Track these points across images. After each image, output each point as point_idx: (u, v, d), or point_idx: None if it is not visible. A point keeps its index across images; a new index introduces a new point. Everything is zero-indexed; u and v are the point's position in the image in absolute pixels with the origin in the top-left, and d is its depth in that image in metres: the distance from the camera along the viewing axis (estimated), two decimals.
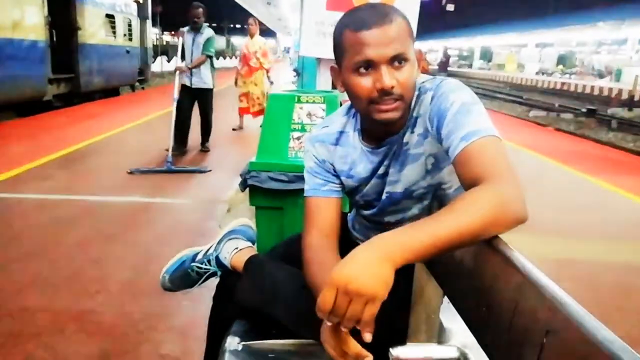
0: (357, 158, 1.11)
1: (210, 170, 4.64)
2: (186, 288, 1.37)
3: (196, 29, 5.30)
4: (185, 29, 5.35)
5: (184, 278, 1.35)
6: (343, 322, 0.72)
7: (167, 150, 4.75)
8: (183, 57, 5.40)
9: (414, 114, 1.01)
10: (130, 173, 4.44)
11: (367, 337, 0.72)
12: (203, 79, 5.31)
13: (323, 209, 1.11)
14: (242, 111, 7.23)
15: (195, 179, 4.46)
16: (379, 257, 0.71)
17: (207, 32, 5.34)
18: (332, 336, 0.81)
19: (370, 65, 0.92)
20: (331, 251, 1.05)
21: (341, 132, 1.13)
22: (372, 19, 0.91)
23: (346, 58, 0.95)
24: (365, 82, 0.94)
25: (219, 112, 6.46)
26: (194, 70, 5.21)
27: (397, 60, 0.92)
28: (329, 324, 0.76)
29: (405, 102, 0.96)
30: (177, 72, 5.13)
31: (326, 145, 1.14)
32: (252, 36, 6.99)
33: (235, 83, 7.22)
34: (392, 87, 0.92)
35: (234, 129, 7.17)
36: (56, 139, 5.88)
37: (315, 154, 1.14)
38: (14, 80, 7.34)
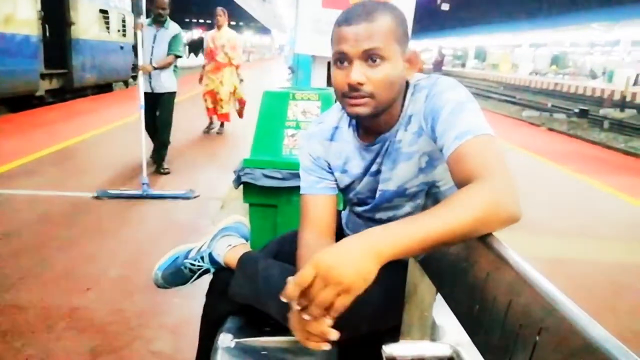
0: (350, 154, 1.12)
1: (198, 196, 3.79)
2: (179, 285, 1.36)
3: (160, 23, 4.44)
4: (146, 20, 4.34)
5: (177, 275, 1.34)
6: (311, 307, 0.72)
7: (141, 169, 3.86)
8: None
9: (408, 112, 1.02)
10: (97, 197, 3.65)
11: (328, 321, 0.73)
12: (164, 82, 4.44)
13: (318, 206, 1.12)
14: (210, 112, 6.52)
15: (189, 176, 4.44)
16: (366, 250, 0.71)
17: (174, 27, 4.49)
18: (299, 319, 0.79)
19: (346, 59, 0.94)
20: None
21: (335, 128, 1.14)
22: (355, 16, 0.93)
23: (332, 52, 0.98)
24: (339, 76, 0.96)
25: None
26: (153, 72, 4.33)
27: (372, 57, 0.93)
28: (296, 307, 0.74)
29: (377, 101, 0.96)
30: (142, 72, 4.08)
31: (321, 141, 1.14)
32: (219, 28, 6.17)
33: (200, 80, 6.43)
34: (360, 84, 0.93)
35: (205, 132, 6.55)
36: (48, 135, 5.84)
37: (310, 151, 1.15)
38: (6, 75, 7.28)
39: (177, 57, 4.48)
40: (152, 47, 4.39)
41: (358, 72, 0.93)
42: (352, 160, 1.11)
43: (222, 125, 6.72)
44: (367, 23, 0.92)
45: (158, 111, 4.46)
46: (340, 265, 0.70)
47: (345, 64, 0.95)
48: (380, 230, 0.74)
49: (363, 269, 0.70)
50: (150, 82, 4.36)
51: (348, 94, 0.95)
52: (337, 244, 0.74)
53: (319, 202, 1.12)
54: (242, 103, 6.54)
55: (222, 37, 6.15)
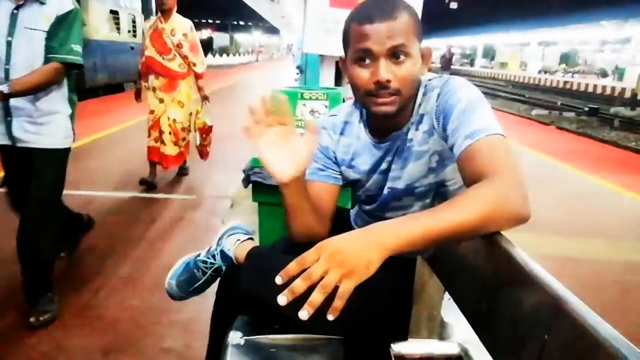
0: (360, 149, 1.12)
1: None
2: (196, 292, 1.34)
3: None
4: None
5: (191, 280, 1.33)
6: (314, 293, 0.69)
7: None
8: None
9: (420, 111, 1.02)
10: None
11: (330, 317, 0.71)
12: (43, 126, 1.96)
13: (318, 192, 1.13)
14: (153, 154, 4.01)
15: (198, 174, 4.46)
16: (371, 240, 0.72)
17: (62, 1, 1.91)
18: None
19: (369, 57, 0.94)
20: (321, 232, 1.07)
21: (346, 122, 1.15)
22: (377, 13, 0.93)
23: (350, 49, 0.98)
24: (363, 74, 0.96)
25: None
26: (14, 102, 1.88)
27: (397, 54, 0.93)
28: (280, 300, 0.72)
29: (402, 97, 0.97)
30: None
31: (330, 134, 1.16)
32: (166, 14, 3.77)
33: (137, 97, 4.11)
34: (388, 81, 0.93)
35: (142, 182, 3.99)
36: None
37: (320, 140, 1.16)
38: None
39: (70, 67, 1.97)
40: (8, 43, 1.85)
41: (385, 70, 0.93)
42: (361, 156, 1.12)
43: (183, 166, 4.35)
44: (391, 20, 0.92)
45: (32, 183, 1.95)
46: (344, 249, 0.70)
47: (368, 61, 0.95)
48: (385, 223, 0.75)
49: (367, 257, 0.70)
50: (6, 124, 1.93)
51: (374, 92, 0.95)
52: (343, 234, 0.74)
53: (320, 189, 1.14)
54: (205, 133, 4.16)
55: (175, 29, 3.79)
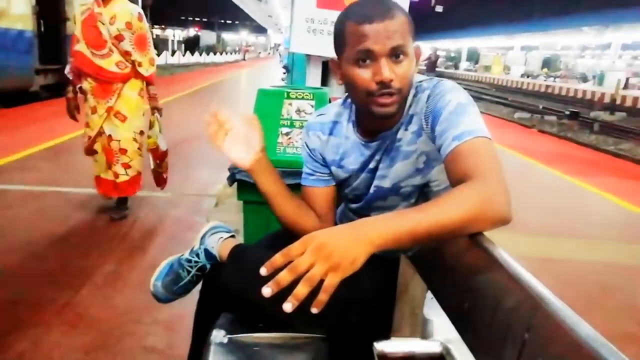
0: (349, 149, 1.13)
1: None
2: (182, 293, 1.31)
3: None
4: None
5: (176, 280, 1.31)
6: (298, 286, 0.70)
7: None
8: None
9: (410, 112, 1.03)
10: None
11: (314, 310, 0.71)
12: None
13: (311, 196, 1.18)
14: (102, 187, 3.17)
15: (182, 173, 4.43)
16: (357, 235, 0.72)
17: None
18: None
19: (370, 57, 0.94)
20: (315, 227, 1.09)
21: (335, 122, 1.16)
22: (375, 13, 0.93)
23: (347, 49, 0.97)
24: (364, 74, 0.96)
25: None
26: None
27: (397, 54, 0.94)
28: (265, 291, 0.71)
29: (402, 97, 0.98)
30: None
31: (319, 135, 1.17)
32: None
33: (70, 112, 3.13)
34: (391, 80, 0.94)
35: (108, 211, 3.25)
36: (42, 130, 5.79)
37: (307, 143, 1.18)
38: (0, 70, 7.21)
39: None
40: None
41: (388, 69, 0.93)
42: (350, 155, 1.13)
43: (122, 202, 3.26)
44: (390, 20, 0.93)
45: None
46: (330, 243, 0.71)
47: (368, 62, 0.95)
48: (372, 219, 0.76)
49: (353, 252, 0.71)
50: None
51: (376, 93, 0.96)
52: (329, 228, 0.75)
53: (312, 193, 1.18)
54: (160, 157, 3.21)
55: (116, 16, 2.85)
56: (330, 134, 1.15)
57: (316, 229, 0.76)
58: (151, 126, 3.13)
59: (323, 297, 0.70)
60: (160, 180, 3.32)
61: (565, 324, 0.54)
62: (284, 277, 0.70)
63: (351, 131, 1.12)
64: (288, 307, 0.70)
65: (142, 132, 3.11)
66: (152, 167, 3.23)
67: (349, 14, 0.97)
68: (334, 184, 1.18)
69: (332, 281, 0.70)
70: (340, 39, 0.99)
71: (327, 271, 0.70)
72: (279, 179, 1.14)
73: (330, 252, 0.70)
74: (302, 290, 0.69)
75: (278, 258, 0.72)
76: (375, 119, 1.02)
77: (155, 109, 3.10)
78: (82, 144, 3.16)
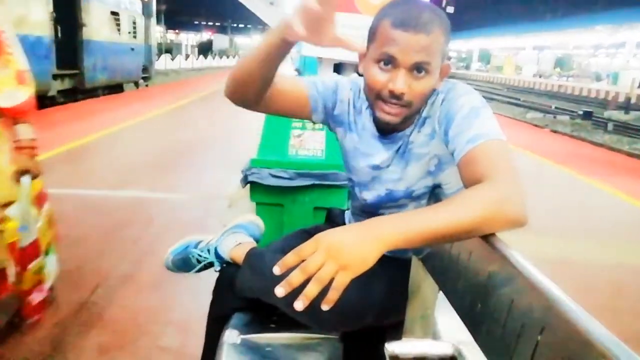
0: (364, 136, 1.11)
1: None
2: (184, 272, 1.39)
3: None
4: None
5: (184, 262, 1.38)
6: (309, 285, 0.70)
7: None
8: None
9: (423, 114, 1.03)
10: None
11: (325, 307, 0.71)
12: None
13: (294, 87, 1.11)
14: None
15: (195, 174, 4.46)
16: (369, 234, 0.73)
17: None
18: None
19: (392, 62, 0.93)
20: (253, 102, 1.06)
21: (362, 103, 1.12)
22: (412, 22, 0.90)
23: (374, 46, 0.96)
24: (381, 77, 0.95)
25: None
26: None
27: (419, 69, 0.93)
28: (278, 291, 0.71)
29: (410, 110, 0.97)
30: None
31: (350, 97, 1.14)
32: None
33: None
34: (403, 94, 0.93)
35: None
36: (59, 134, 5.87)
37: (339, 84, 1.13)
38: None
39: None
40: None
41: (403, 82, 0.92)
42: (363, 143, 1.11)
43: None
44: (424, 35, 0.90)
45: None
46: (342, 242, 0.71)
47: (390, 66, 0.94)
48: (384, 218, 0.76)
49: (364, 250, 0.71)
50: None
51: (385, 99, 0.95)
52: (341, 227, 0.75)
53: (297, 87, 1.11)
54: (22, 258, 1.79)
55: None
56: (355, 107, 1.13)
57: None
58: (10, 203, 1.76)
59: (333, 294, 0.70)
60: (28, 309, 1.87)
61: (579, 325, 0.53)
62: (296, 276, 0.71)
63: (368, 119, 1.10)
64: (299, 305, 0.70)
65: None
66: (12, 279, 1.82)
67: (391, 11, 0.94)
68: (310, 108, 1.13)
69: (342, 279, 0.70)
70: (373, 33, 0.97)
71: (337, 270, 0.70)
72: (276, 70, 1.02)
73: (341, 251, 0.70)
74: (312, 289, 0.70)
75: (290, 257, 0.72)
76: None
77: (25, 172, 1.74)
78: None
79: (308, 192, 1.97)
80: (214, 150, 5.61)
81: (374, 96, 0.97)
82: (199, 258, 1.34)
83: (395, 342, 1.01)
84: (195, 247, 1.36)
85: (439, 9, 0.96)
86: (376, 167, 1.11)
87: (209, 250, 1.32)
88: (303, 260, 0.71)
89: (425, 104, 1.02)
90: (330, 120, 1.16)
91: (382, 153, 1.09)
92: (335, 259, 0.70)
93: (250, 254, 1.20)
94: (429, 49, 0.91)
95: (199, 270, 1.36)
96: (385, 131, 1.07)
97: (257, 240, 1.36)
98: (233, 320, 1.19)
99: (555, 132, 9.41)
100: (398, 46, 0.91)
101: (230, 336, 1.14)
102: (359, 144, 1.12)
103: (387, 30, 0.92)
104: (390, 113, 0.96)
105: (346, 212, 1.38)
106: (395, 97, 0.94)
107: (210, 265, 1.34)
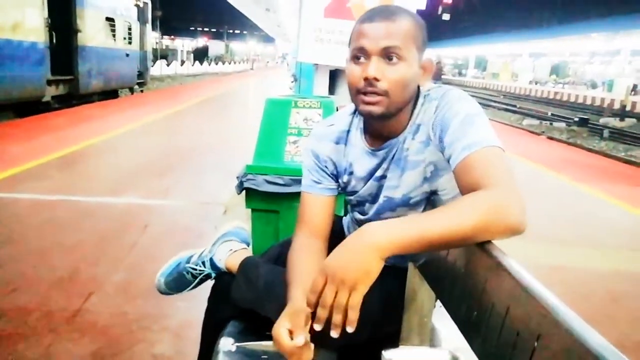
0: (358, 157, 1.12)
1: None
2: (181, 291, 1.37)
3: None
4: None
5: (179, 281, 1.35)
6: (333, 316, 0.75)
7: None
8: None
9: (417, 121, 1.03)
10: None
11: (349, 329, 0.75)
12: None
13: (314, 206, 1.14)
14: None
15: (191, 181, 4.45)
16: (366, 245, 0.74)
17: None
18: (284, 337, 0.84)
19: (364, 54, 0.95)
20: (314, 254, 1.06)
21: (346, 131, 1.14)
22: (378, 14, 0.95)
23: (349, 48, 1.00)
24: (356, 71, 0.97)
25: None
26: None
27: (390, 55, 0.94)
28: (316, 327, 0.77)
29: (390, 100, 0.96)
30: None
31: (332, 144, 1.15)
32: None
33: None
34: (376, 79, 0.94)
35: None
36: (54, 140, 5.87)
37: (317, 151, 1.15)
38: (13, 80, 7.36)
39: None
40: None
41: (375, 68, 0.94)
42: (358, 162, 1.12)
43: None
44: (388, 22, 0.94)
45: None
46: (343, 265, 0.73)
47: (362, 59, 0.96)
48: (379, 224, 0.76)
49: (365, 264, 0.73)
50: None
51: (363, 90, 0.96)
52: (338, 247, 0.76)
53: (316, 202, 1.14)
54: None
55: None
56: (340, 142, 1.14)
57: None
58: None
59: (352, 315, 0.75)
60: None
61: (575, 333, 0.53)
62: (322, 314, 0.76)
63: (359, 138, 1.11)
64: (334, 334, 0.76)
65: None
66: None
67: (362, 16, 1.00)
68: (336, 194, 1.17)
69: (355, 300, 0.74)
70: (349, 40, 1.01)
71: (349, 292, 0.74)
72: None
73: (346, 275, 0.73)
74: (337, 318, 0.75)
75: (311, 298, 0.77)
76: (367, 120, 1.04)
77: None
78: None
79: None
80: (210, 157, 5.60)
81: (354, 92, 0.99)
82: (194, 272, 1.32)
83: (392, 350, 1.00)
84: (188, 262, 1.34)
85: (411, 11, 1.00)
86: (370, 178, 1.11)
87: (203, 263, 1.31)
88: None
89: (415, 106, 1.03)
90: (347, 175, 1.15)
91: (375, 165, 1.09)
92: (343, 284, 0.74)
93: (245, 264, 1.20)
94: (396, 34, 0.94)
95: (195, 286, 1.35)
96: (378, 142, 1.08)
97: (247, 244, 1.37)
98: (228, 328, 1.18)
99: (551, 138, 9.45)
100: (366, 37, 0.94)
101: (225, 344, 1.13)
102: (354, 162, 1.13)
103: (357, 27, 0.97)
104: (370, 103, 0.96)
105: (344, 218, 1.37)
106: (371, 84, 0.95)
107: (206, 278, 1.32)
